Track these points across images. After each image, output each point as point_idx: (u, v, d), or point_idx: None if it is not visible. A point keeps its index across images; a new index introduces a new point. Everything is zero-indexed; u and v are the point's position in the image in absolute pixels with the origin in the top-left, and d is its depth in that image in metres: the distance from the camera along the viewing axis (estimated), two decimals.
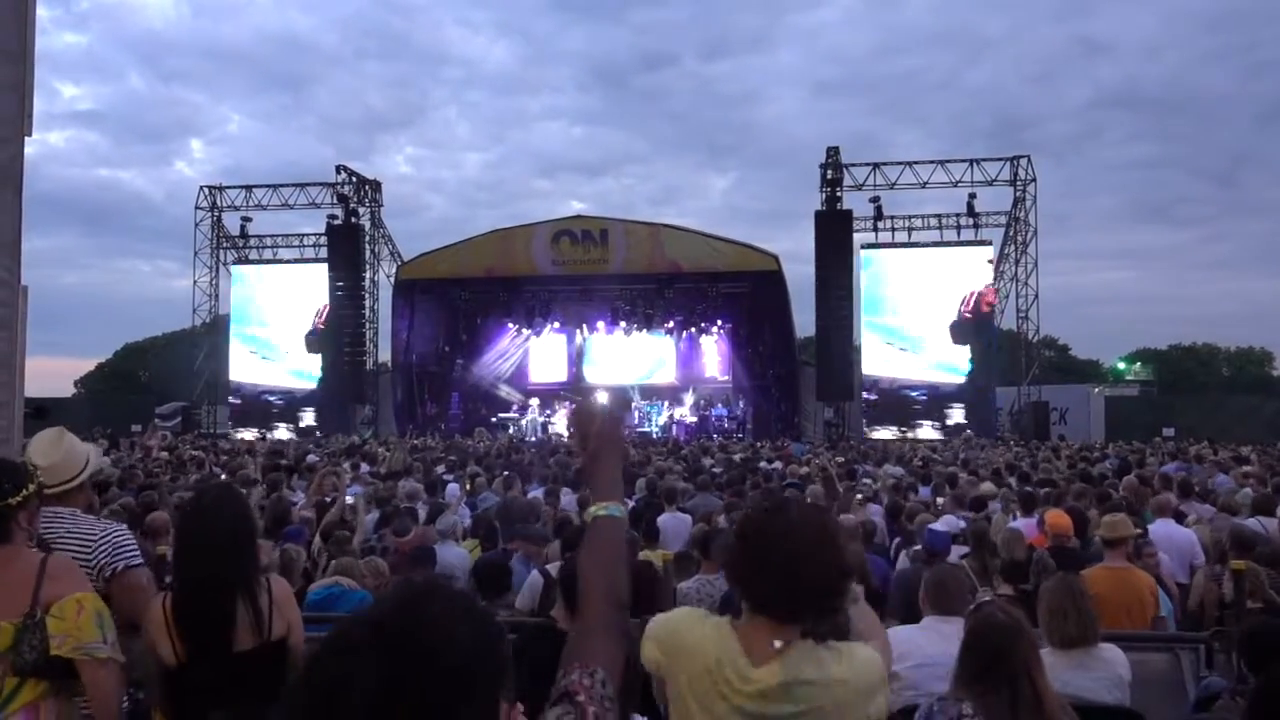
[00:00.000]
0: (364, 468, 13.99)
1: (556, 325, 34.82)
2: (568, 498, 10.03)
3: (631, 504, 9.24)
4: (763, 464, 15.48)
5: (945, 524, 8.15)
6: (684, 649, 2.25)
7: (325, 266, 32.86)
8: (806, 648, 2.18)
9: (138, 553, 3.57)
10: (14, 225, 4.08)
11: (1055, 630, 4.04)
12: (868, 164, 30.67)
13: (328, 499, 8.76)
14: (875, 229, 31.03)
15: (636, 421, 33.32)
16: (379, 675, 1.14)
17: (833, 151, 29.75)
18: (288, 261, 35.06)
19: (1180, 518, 8.41)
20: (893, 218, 31.19)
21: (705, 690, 2.19)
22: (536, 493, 10.50)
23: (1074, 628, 4.02)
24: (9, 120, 4.07)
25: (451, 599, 1.26)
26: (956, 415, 29.88)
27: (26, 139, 4.17)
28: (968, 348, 29.82)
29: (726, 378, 35.38)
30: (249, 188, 34.49)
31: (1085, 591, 4.18)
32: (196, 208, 34.36)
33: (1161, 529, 7.64)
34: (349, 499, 8.54)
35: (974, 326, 29.80)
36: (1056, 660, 3.99)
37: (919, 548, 6.91)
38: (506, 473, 12.03)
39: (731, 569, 2.34)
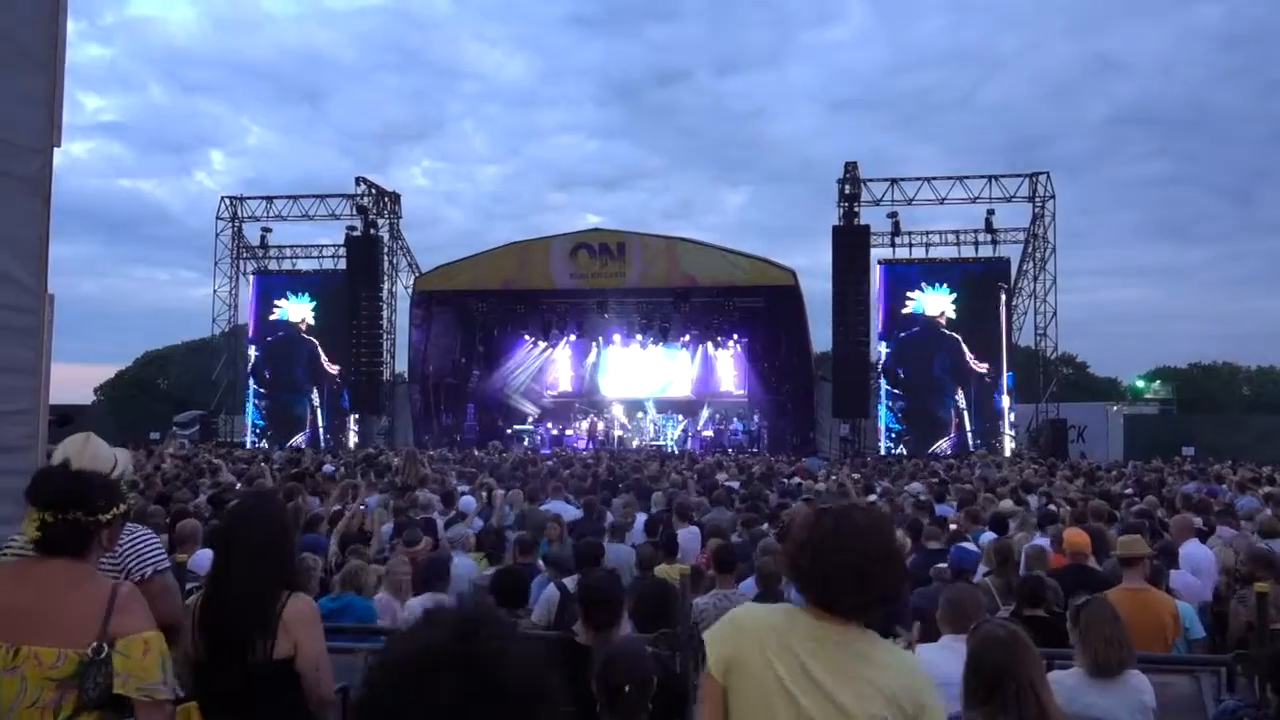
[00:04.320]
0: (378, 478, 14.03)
1: (573, 338, 34.88)
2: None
3: (646, 518, 9.24)
4: (786, 480, 15.45)
5: (983, 540, 8.09)
6: (748, 630, 2.35)
7: (343, 277, 32.98)
8: (872, 634, 2.33)
9: (165, 557, 3.60)
10: (42, 235, 4.13)
11: (1092, 654, 3.99)
12: (885, 179, 30.66)
13: (346, 509, 8.79)
14: (893, 244, 31.00)
15: (652, 435, 33.35)
16: (452, 704, 1.21)
17: (850, 167, 29.72)
18: (306, 272, 35.32)
19: (1203, 537, 8.32)
20: (910, 233, 31.16)
21: (775, 647, 2.29)
22: (548, 506, 10.50)
23: (1113, 653, 3.97)
24: (39, 131, 4.12)
25: (506, 628, 1.33)
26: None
27: (55, 149, 4.22)
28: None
29: (742, 392, 35.36)
30: (269, 198, 34.72)
31: (1120, 617, 4.14)
32: (217, 218, 34.66)
33: (1190, 551, 7.55)
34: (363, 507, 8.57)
35: None
36: (1081, 683, 3.96)
37: (943, 565, 6.87)
38: (528, 485, 12.05)
39: (798, 570, 2.40)
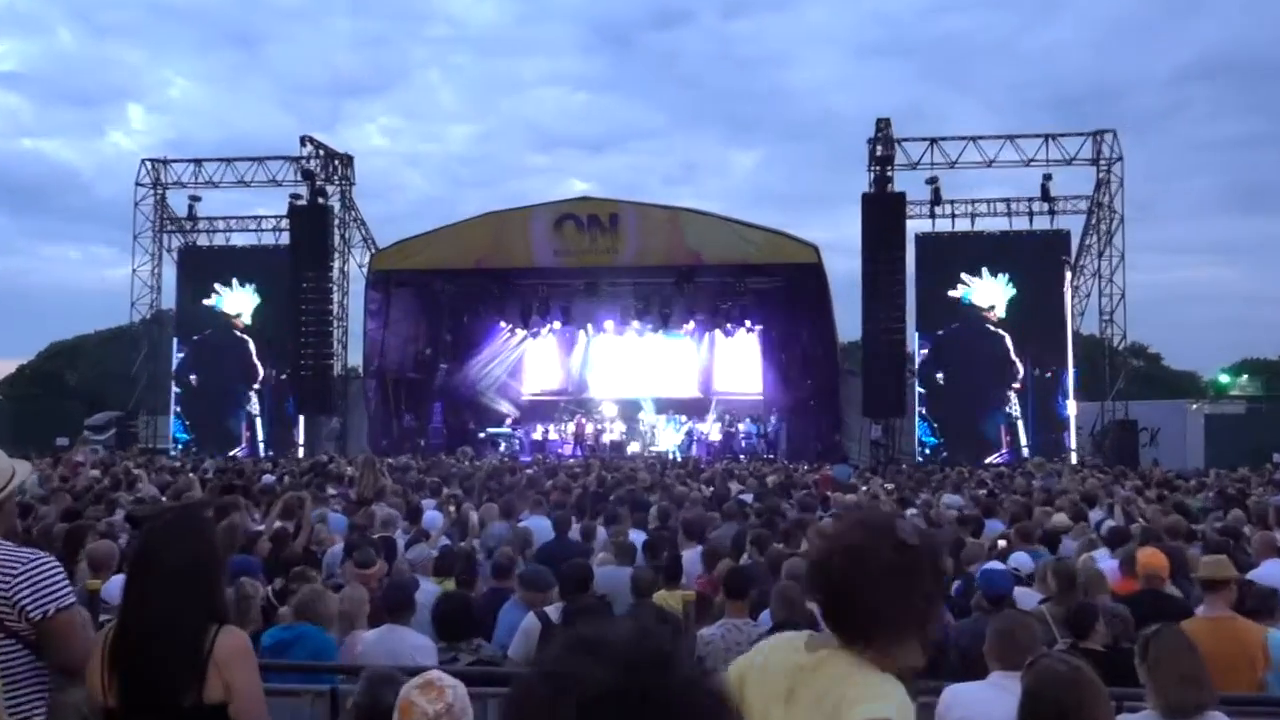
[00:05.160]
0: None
1: (557, 325, 34.86)
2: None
3: (645, 536, 9.23)
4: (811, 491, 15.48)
5: (1015, 562, 8.10)
6: (760, 652, 2.48)
7: (286, 254, 32.91)
8: (847, 656, 2.31)
9: (69, 590, 3.57)
10: None
11: (1165, 694, 3.99)
12: (923, 139, 30.71)
13: (289, 527, 8.79)
14: (932, 215, 31.08)
15: (651, 439, 33.37)
16: None
17: (883, 124, 29.73)
18: (242, 249, 35.26)
19: None
20: (953, 202, 31.24)
21: (770, 671, 2.41)
22: (527, 522, 10.50)
23: (1189, 693, 3.97)
24: None
25: (687, 656, 1.35)
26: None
27: None
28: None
29: (756, 389, 35.34)
30: (198, 162, 34.72)
31: (1197, 649, 4.14)
32: (137, 184, 34.64)
33: (1268, 571, 7.57)
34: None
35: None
36: None
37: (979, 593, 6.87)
38: (503, 497, 12.04)
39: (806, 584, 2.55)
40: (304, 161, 32.88)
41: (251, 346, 33.95)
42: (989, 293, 30.38)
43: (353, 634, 6.12)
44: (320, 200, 32.94)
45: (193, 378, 34.22)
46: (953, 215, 31.32)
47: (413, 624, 6.15)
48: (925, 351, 30.72)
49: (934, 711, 4.28)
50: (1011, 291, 30.24)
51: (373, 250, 33.73)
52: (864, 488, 15.48)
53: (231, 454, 30.91)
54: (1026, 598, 6.89)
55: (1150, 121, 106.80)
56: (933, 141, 30.62)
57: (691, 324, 34.23)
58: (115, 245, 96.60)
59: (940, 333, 30.56)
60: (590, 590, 6.68)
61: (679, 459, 28.09)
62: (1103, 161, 30.36)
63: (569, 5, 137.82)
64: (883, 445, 29.80)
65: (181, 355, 34.37)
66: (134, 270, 34.75)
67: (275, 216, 34.83)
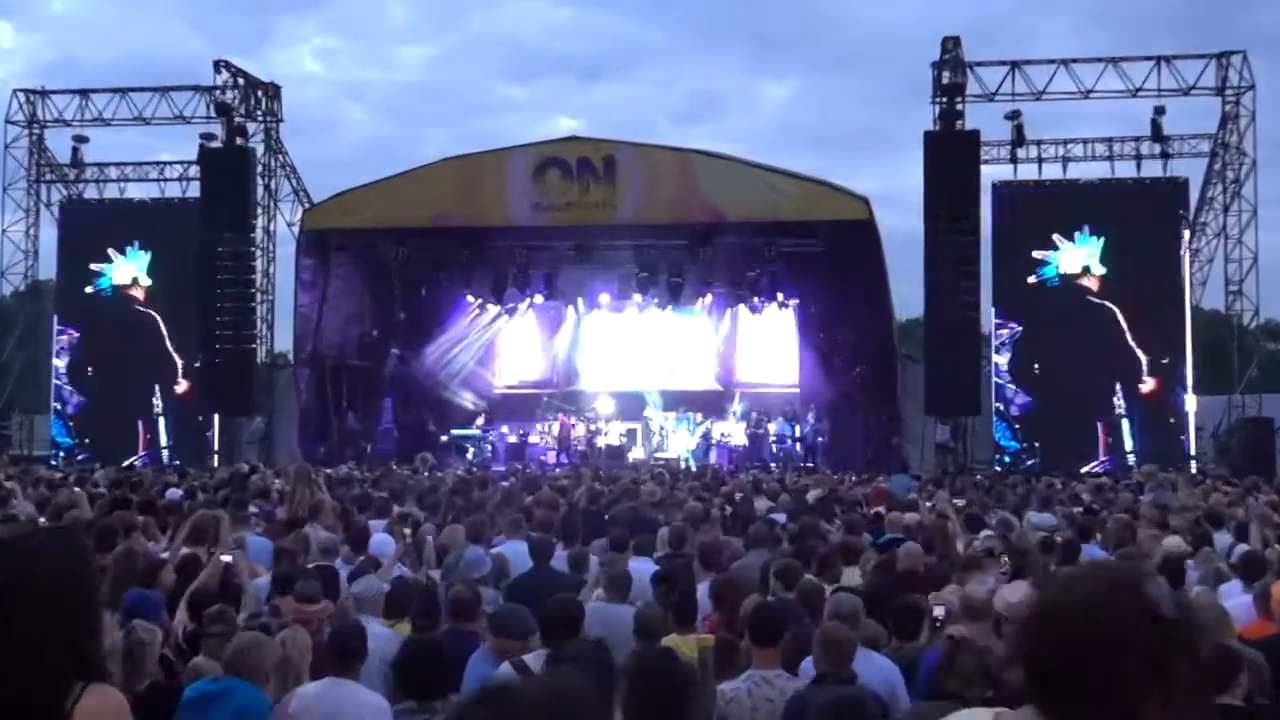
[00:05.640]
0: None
1: (539, 299, 34.86)
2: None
3: (653, 565, 9.24)
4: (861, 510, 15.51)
5: None
6: None
7: (196, 210, 32.79)
8: None
9: None
10: None
11: None
12: (1003, 63, 30.66)
13: (201, 554, 8.80)
14: (1014, 159, 31.12)
15: (657, 443, 33.34)
16: None
17: (950, 44, 29.63)
18: (141, 203, 35.26)
19: None
20: (1039, 143, 31.26)
21: None
22: (502, 548, 10.51)
23: None
24: None
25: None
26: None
27: None
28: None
29: (791, 379, 35.34)
30: (85, 93, 34.71)
31: None
32: (7, 122, 34.65)
33: None
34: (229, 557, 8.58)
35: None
36: None
37: None
38: (474, 517, 12.06)
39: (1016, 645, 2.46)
40: (219, 93, 32.85)
41: (159, 327, 33.87)
42: (1086, 258, 30.35)
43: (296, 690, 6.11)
44: (239, 141, 32.89)
45: (89, 369, 34.20)
46: (1039, 159, 31.39)
47: (360, 676, 6.17)
48: (1005, 332, 30.72)
49: None
50: (1112, 257, 30.16)
51: (306, 205, 33.79)
52: (928, 504, 15.46)
53: (128, 463, 30.90)
54: None
55: None
56: (1014, 66, 30.58)
57: (709, 298, 34.27)
58: None
59: (1024, 308, 30.52)
60: (580, 634, 6.67)
61: (693, 468, 28.13)
62: (1229, 91, 30.29)
63: None
64: (951, 450, 29.80)
65: (64, 339, 34.40)
66: (3, 231, 34.89)
67: (182, 163, 35.02)
